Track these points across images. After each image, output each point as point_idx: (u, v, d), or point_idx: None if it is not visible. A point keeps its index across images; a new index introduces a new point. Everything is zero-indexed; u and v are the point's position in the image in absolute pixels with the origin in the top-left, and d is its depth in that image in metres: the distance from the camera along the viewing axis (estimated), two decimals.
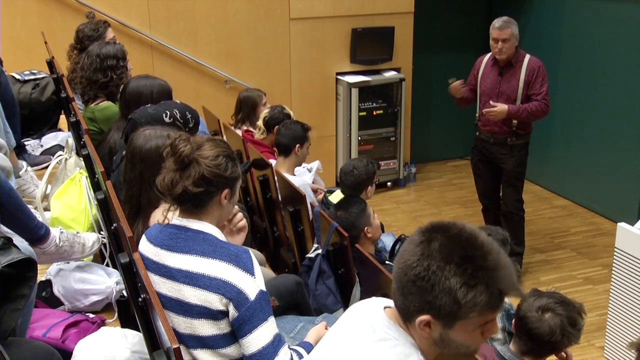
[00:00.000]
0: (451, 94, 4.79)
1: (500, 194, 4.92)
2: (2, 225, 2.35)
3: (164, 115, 2.70)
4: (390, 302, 1.55)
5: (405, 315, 1.46)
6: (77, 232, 2.77)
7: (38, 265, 2.02)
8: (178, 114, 2.75)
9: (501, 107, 4.42)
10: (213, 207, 1.99)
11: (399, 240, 3.63)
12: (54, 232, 2.58)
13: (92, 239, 2.76)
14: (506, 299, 2.85)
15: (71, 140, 3.57)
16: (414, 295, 1.40)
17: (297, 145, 3.80)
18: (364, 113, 6.33)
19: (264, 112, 4.37)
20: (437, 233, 1.42)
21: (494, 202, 4.94)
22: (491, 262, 1.38)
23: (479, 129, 4.78)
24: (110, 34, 4.14)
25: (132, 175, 2.38)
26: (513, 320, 2.49)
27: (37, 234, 2.48)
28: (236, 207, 2.16)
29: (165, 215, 2.03)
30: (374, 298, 1.64)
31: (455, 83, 4.73)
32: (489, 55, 4.70)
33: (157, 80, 3.19)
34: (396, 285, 1.45)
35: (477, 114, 4.78)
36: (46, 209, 3.23)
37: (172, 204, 2.00)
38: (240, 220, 2.20)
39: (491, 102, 4.49)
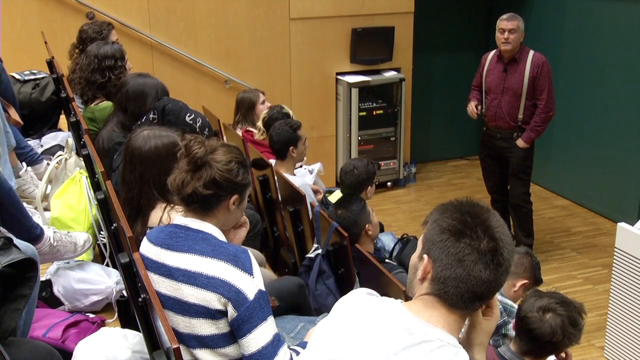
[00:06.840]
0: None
1: (508, 188, 5.00)
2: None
3: (188, 114, 2.79)
4: (375, 293, 1.51)
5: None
6: (68, 232, 2.77)
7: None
8: (199, 122, 2.84)
9: (520, 142, 4.67)
10: (220, 211, 2.01)
11: (401, 240, 3.62)
12: (48, 232, 2.58)
13: (82, 238, 2.77)
14: (508, 301, 2.86)
15: (71, 140, 3.57)
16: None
17: (291, 148, 3.78)
18: (364, 113, 6.33)
19: (263, 113, 4.37)
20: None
21: (502, 195, 5.06)
22: None
23: (486, 124, 4.90)
24: (113, 36, 4.13)
25: (131, 177, 2.37)
26: (513, 321, 2.48)
27: (33, 233, 2.49)
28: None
29: (168, 214, 2.03)
30: (361, 290, 1.54)
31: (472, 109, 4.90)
32: (493, 51, 4.81)
33: (157, 79, 3.21)
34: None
35: (482, 109, 4.89)
36: (46, 209, 3.23)
37: (180, 204, 2.01)
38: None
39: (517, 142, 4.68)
